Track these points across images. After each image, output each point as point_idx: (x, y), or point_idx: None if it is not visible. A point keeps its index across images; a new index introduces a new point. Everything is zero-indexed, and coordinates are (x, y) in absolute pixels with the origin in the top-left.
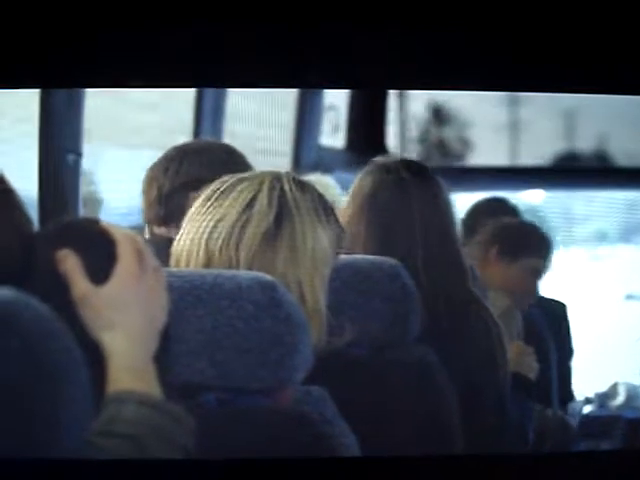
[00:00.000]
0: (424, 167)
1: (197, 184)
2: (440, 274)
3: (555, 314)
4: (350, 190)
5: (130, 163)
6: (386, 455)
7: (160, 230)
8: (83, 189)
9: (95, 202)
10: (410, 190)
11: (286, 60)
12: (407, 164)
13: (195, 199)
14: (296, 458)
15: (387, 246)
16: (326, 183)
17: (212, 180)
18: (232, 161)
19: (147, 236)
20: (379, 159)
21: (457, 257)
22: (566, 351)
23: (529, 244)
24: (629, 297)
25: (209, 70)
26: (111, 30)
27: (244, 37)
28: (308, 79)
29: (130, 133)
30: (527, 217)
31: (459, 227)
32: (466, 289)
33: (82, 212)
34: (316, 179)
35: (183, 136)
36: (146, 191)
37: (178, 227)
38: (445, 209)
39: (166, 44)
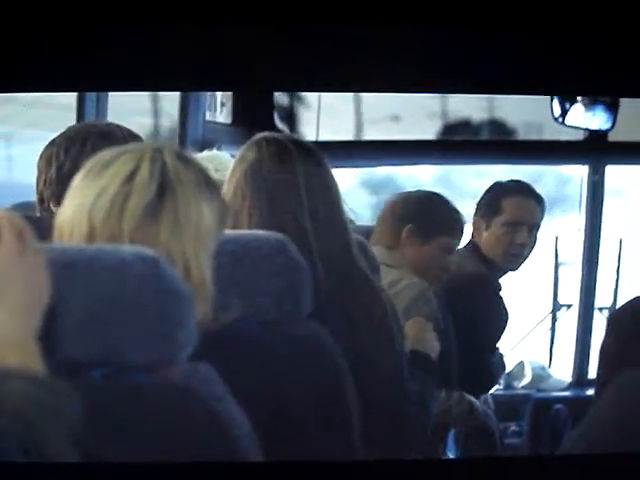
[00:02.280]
0: (307, 142)
1: None
2: (328, 249)
3: (461, 292)
4: (232, 165)
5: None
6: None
7: (56, 208)
8: None
9: None
10: (294, 162)
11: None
12: (291, 137)
13: None
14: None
15: (272, 220)
16: (224, 159)
17: None
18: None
19: (39, 213)
20: (263, 133)
21: (344, 232)
22: (473, 330)
23: (443, 222)
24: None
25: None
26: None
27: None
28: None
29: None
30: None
31: (343, 203)
32: (353, 264)
33: None
34: (212, 155)
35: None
36: (43, 168)
37: None
38: (331, 182)
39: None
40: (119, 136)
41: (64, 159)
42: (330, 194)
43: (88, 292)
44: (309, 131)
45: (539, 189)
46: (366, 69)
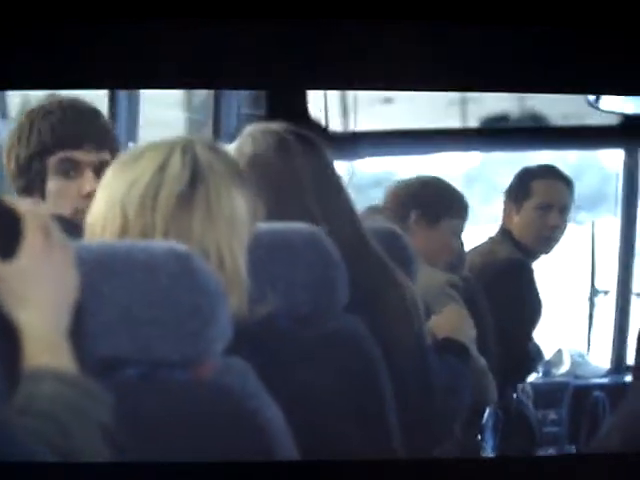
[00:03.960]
0: (306, 133)
1: (52, 149)
2: (341, 237)
3: (496, 278)
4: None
5: None
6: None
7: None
8: None
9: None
10: (294, 152)
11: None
12: (288, 127)
13: (54, 165)
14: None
15: (280, 211)
16: None
17: (67, 142)
18: (86, 119)
19: None
20: (258, 124)
21: (354, 219)
22: (510, 317)
23: (448, 205)
24: (574, 264)
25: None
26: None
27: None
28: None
29: None
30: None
31: (349, 193)
32: (368, 250)
33: None
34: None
35: None
36: (6, 163)
37: (43, 197)
38: (334, 171)
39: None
40: (65, 111)
41: (18, 149)
42: (334, 183)
43: (120, 290)
44: (344, 122)
45: (574, 175)
46: (368, 66)
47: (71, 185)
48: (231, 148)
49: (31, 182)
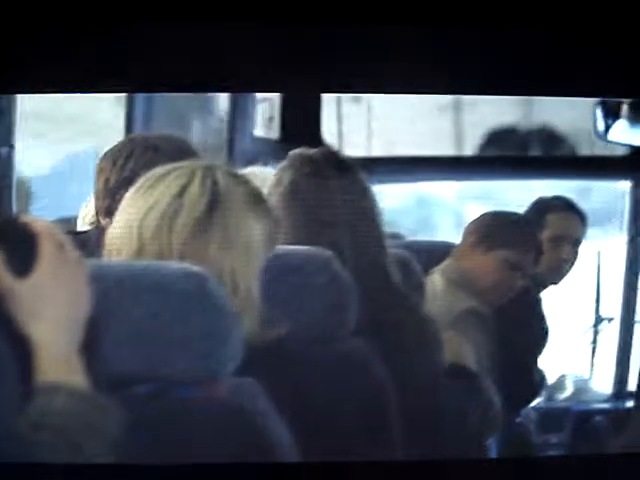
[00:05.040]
0: (344, 159)
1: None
2: (363, 266)
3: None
4: (269, 185)
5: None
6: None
7: (106, 221)
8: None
9: (28, 195)
10: (329, 179)
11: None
12: (326, 156)
13: None
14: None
15: (308, 238)
16: (270, 176)
17: None
18: (183, 158)
19: (91, 227)
20: (297, 151)
21: (380, 248)
22: (515, 343)
23: (504, 234)
24: (577, 288)
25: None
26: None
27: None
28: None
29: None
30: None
31: (382, 220)
32: (387, 281)
33: (15, 205)
34: (258, 171)
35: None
36: (96, 182)
37: None
38: (367, 198)
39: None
40: (165, 149)
41: (110, 172)
42: (366, 210)
43: (135, 308)
44: (357, 146)
45: (582, 204)
46: (373, 70)
47: None
48: (270, 176)
49: (116, 205)
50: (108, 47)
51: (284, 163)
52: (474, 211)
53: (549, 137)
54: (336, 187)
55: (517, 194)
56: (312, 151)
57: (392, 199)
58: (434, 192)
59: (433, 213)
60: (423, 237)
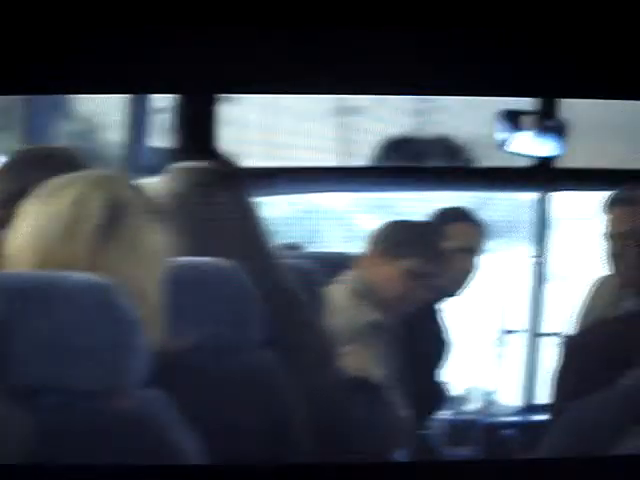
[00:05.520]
0: (229, 170)
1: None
2: (257, 274)
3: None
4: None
5: None
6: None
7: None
8: None
9: None
10: (213, 190)
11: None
12: (212, 165)
13: None
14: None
15: (200, 249)
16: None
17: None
18: (73, 167)
19: None
20: (182, 164)
21: (270, 256)
22: (417, 354)
23: (408, 243)
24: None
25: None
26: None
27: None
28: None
29: None
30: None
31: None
32: (282, 288)
33: None
34: (155, 182)
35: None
36: None
37: None
38: (253, 208)
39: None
40: (55, 158)
41: (1, 185)
42: (252, 221)
43: (39, 319)
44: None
45: (487, 216)
46: (355, 72)
47: None
48: (153, 185)
49: (11, 218)
50: (108, 48)
51: (171, 175)
52: (370, 222)
53: (446, 147)
54: (221, 198)
55: (416, 205)
56: (195, 163)
57: (282, 210)
58: (328, 203)
59: (325, 224)
60: (320, 248)
